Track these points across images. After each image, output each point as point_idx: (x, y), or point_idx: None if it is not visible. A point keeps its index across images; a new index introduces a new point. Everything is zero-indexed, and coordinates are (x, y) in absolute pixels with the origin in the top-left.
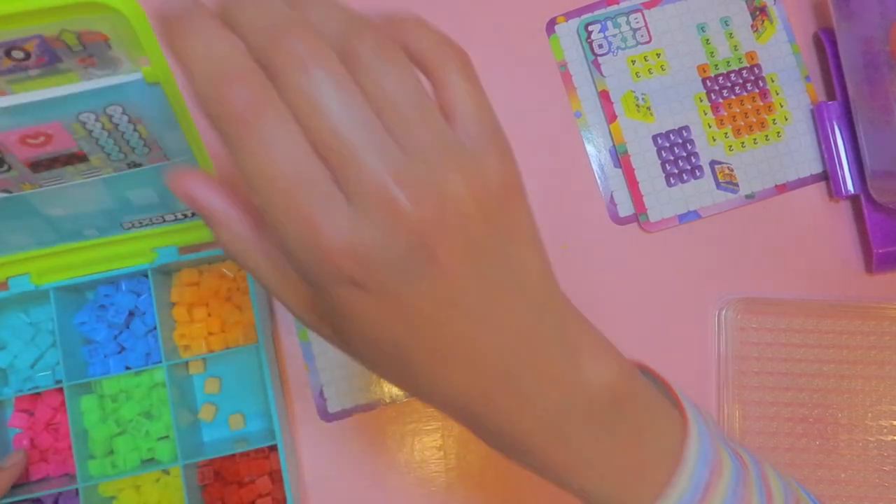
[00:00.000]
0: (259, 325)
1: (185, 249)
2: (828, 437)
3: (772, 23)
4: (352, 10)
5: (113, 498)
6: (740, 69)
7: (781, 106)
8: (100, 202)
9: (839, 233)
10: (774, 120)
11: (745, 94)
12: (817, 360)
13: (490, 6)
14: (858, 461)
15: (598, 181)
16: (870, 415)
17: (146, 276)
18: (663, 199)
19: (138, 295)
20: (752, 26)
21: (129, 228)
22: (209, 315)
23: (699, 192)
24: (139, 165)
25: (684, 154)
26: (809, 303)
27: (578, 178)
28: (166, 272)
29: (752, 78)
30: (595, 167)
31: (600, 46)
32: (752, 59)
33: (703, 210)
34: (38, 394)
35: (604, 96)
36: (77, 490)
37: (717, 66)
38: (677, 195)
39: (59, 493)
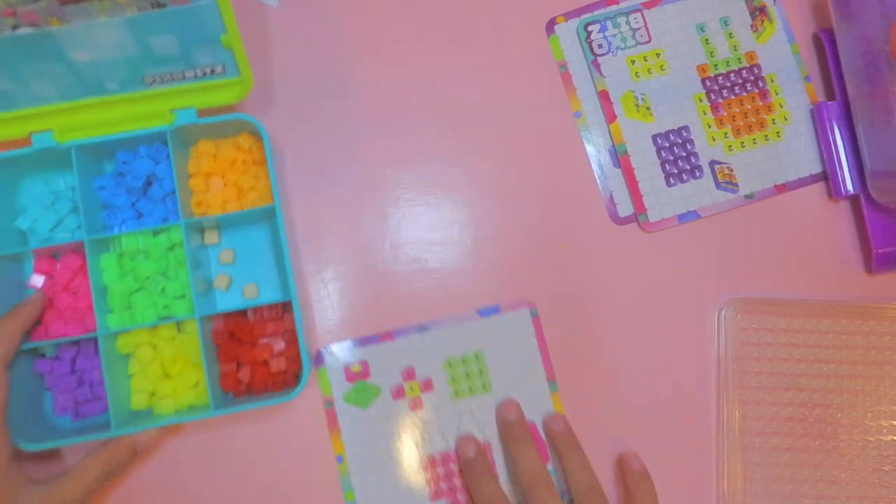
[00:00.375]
0: (275, 188)
1: (203, 113)
2: (828, 437)
3: (771, 23)
4: (592, 472)
5: (130, 354)
6: (740, 69)
7: (781, 106)
8: (123, 47)
9: (839, 233)
10: (774, 120)
11: (744, 94)
12: (817, 360)
13: (490, 6)
14: (858, 461)
15: (598, 181)
16: (870, 415)
17: (164, 143)
18: (663, 199)
19: (156, 162)
20: (751, 26)
21: (150, 84)
22: (225, 185)
23: (699, 192)
24: (163, 6)
25: (684, 154)
26: (809, 303)
27: (578, 178)
28: (184, 143)
29: (752, 78)
30: (595, 167)
31: (600, 46)
32: (752, 59)
33: (702, 210)
34: (57, 258)
35: (603, 96)
36: (96, 343)
37: (716, 66)
38: (677, 195)
39: (79, 346)
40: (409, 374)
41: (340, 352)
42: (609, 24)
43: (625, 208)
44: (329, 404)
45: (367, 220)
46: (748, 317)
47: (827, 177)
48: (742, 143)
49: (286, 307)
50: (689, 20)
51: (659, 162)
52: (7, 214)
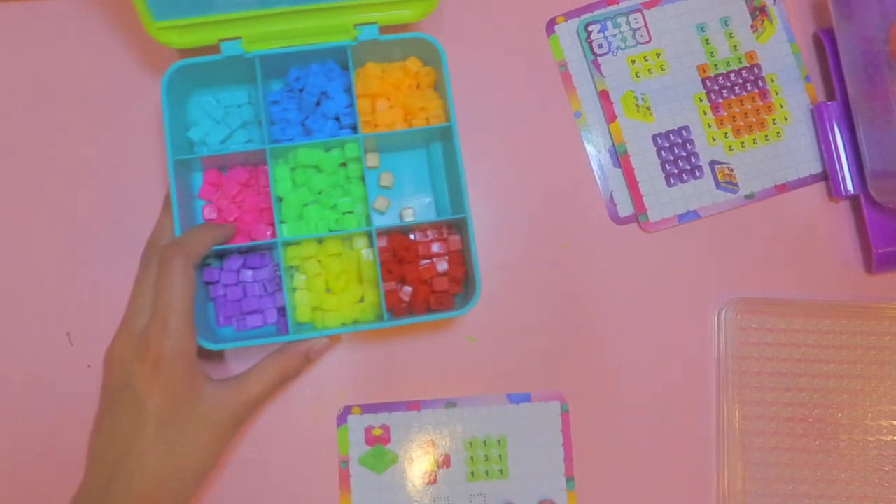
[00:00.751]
0: (452, 107)
1: (384, 30)
2: (827, 437)
3: (771, 23)
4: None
5: (297, 267)
6: (740, 69)
7: (781, 106)
8: None
9: (839, 233)
10: (774, 120)
11: (744, 93)
12: (817, 360)
13: (490, 6)
14: (858, 461)
15: (598, 181)
16: (870, 415)
17: (336, 62)
18: (663, 199)
19: (329, 80)
20: (751, 26)
21: None
22: (391, 108)
23: (699, 192)
24: None
25: (684, 154)
26: (809, 303)
27: (578, 178)
28: (354, 64)
29: (752, 78)
30: (595, 167)
31: (600, 46)
32: (752, 58)
33: (702, 210)
34: (224, 174)
35: (603, 96)
36: (261, 256)
37: (716, 66)
38: (677, 195)
39: (245, 258)
40: (430, 447)
41: (365, 413)
42: (609, 24)
43: (625, 208)
44: (344, 464)
45: None
46: (748, 317)
47: (827, 177)
48: (742, 143)
49: (449, 230)
50: (690, 20)
51: (659, 162)
52: (179, 125)
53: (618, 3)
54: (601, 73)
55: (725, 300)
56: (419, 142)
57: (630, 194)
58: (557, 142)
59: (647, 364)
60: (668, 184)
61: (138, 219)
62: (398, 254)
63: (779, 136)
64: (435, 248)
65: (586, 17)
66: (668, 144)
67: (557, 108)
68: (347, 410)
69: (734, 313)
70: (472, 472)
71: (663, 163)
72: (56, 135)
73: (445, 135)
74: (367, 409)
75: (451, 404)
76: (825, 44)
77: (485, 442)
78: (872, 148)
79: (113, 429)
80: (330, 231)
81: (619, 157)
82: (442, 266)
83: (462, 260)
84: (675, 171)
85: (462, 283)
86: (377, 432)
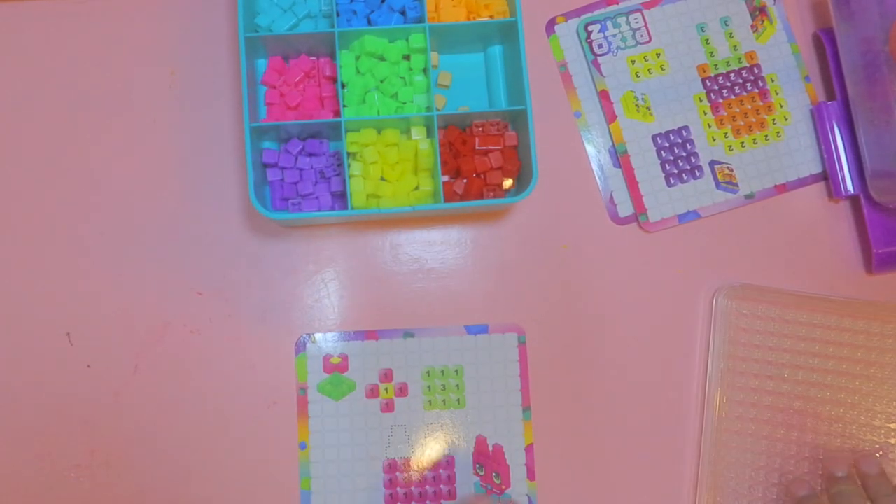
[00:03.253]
0: (517, 5)
1: None
2: (806, 429)
3: (771, 23)
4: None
5: (355, 153)
6: (740, 69)
7: (781, 106)
8: None
9: (839, 233)
10: (774, 120)
11: (744, 93)
12: (806, 353)
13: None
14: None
15: (598, 181)
16: (853, 412)
17: None
18: (663, 199)
19: None
20: (751, 26)
21: None
22: (454, 6)
23: (699, 192)
24: None
25: (684, 154)
26: (803, 296)
27: (578, 178)
28: None
29: (752, 78)
30: (595, 167)
31: (600, 46)
32: (752, 58)
33: (702, 210)
34: (286, 64)
35: (603, 96)
36: (320, 143)
37: (716, 66)
38: (677, 195)
39: (304, 144)
40: (387, 376)
41: (323, 341)
42: (609, 24)
43: (625, 208)
44: (302, 391)
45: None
46: (743, 303)
47: (827, 177)
48: (742, 143)
49: (505, 126)
50: (689, 20)
51: (659, 162)
52: (249, 11)
53: (618, 3)
54: (601, 73)
55: (723, 286)
56: (479, 43)
57: (630, 194)
58: (557, 142)
59: (647, 363)
60: (668, 184)
61: (139, 219)
62: (454, 147)
63: (779, 136)
64: (492, 140)
65: (586, 17)
66: (668, 144)
67: (557, 108)
68: (307, 339)
69: (727, 299)
70: (430, 402)
71: (663, 163)
72: (56, 135)
73: (506, 35)
74: (326, 338)
75: (408, 334)
76: (825, 44)
77: (442, 371)
78: (872, 148)
79: None
80: (392, 114)
81: (619, 157)
82: (497, 160)
83: (517, 156)
84: (675, 171)
85: (516, 179)
86: (335, 360)
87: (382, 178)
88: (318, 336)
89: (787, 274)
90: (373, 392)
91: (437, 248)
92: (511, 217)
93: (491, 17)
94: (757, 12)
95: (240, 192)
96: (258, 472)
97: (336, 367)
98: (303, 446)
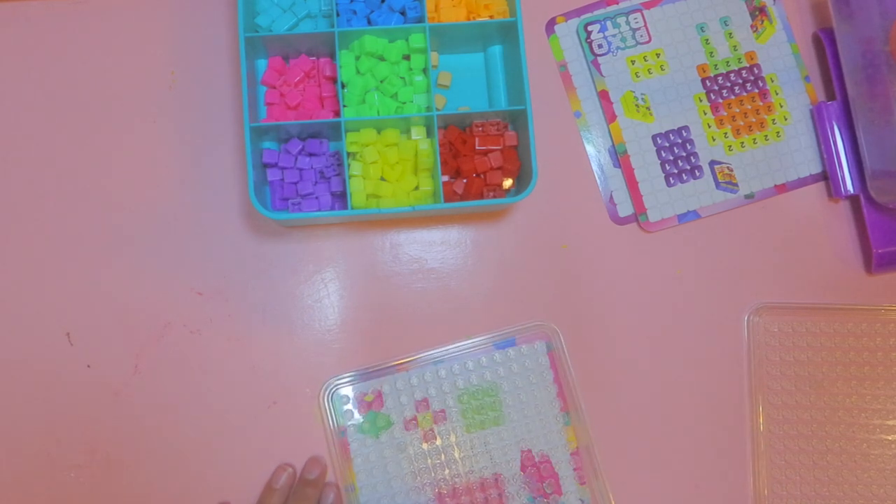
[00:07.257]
0: (517, 5)
1: None
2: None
3: (771, 23)
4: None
5: (354, 154)
6: (740, 69)
7: (781, 106)
8: None
9: (839, 233)
10: (774, 120)
11: (744, 93)
12: (839, 364)
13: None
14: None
15: (598, 181)
16: (863, 416)
17: None
18: (663, 199)
19: None
20: (751, 26)
21: None
22: (454, 6)
23: (699, 192)
24: None
25: (684, 154)
26: (820, 306)
27: (578, 178)
28: None
29: (752, 78)
30: (595, 167)
31: (600, 46)
32: (752, 58)
33: (702, 210)
34: (286, 64)
35: (603, 96)
36: (320, 142)
37: (716, 66)
38: (677, 195)
39: (304, 144)
40: (424, 405)
41: (353, 381)
42: (609, 24)
43: (625, 208)
44: (342, 433)
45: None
46: (769, 319)
47: (827, 177)
48: (742, 143)
49: (504, 126)
50: (689, 20)
51: (659, 162)
52: (249, 11)
53: (618, 3)
54: (601, 73)
55: (753, 307)
56: (478, 43)
57: (630, 194)
58: (557, 142)
59: (646, 363)
60: (668, 184)
61: (139, 219)
62: (454, 147)
63: (778, 137)
64: (492, 141)
65: (586, 17)
66: (667, 144)
67: (557, 108)
68: (336, 382)
69: (757, 317)
70: (469, 424)
71: (663, 163)
72: (56, 135)
73: (506, 35)
74: (357, 377)
75: (438, 361)
76: (825, 44)
77: (476, 392)
78: (872, 148)
79: None
80: (391, 114)
81: (619, 157)
82: (497, 160)
83: (516, 156)
84: (675, 171)
85: (515, 179)
86: (369, 398)
87: (382, 178)
88: (345, 376)
89: (787, 274)
90: (411, 423)
91: (437, 248)
92: (511, 217)
93: (491, 17)
94: (757, 12)
95: (240, 192)
96: (258, 472)
97: (371, 405)
98: (351, 489)
